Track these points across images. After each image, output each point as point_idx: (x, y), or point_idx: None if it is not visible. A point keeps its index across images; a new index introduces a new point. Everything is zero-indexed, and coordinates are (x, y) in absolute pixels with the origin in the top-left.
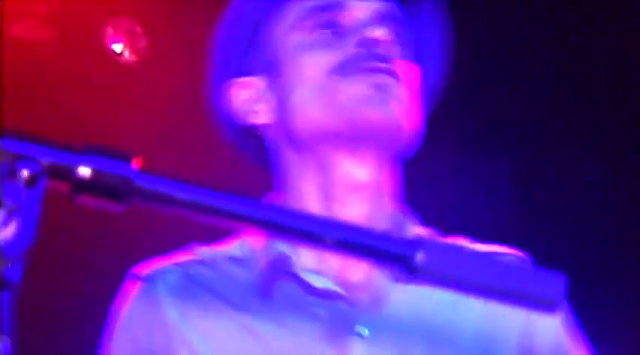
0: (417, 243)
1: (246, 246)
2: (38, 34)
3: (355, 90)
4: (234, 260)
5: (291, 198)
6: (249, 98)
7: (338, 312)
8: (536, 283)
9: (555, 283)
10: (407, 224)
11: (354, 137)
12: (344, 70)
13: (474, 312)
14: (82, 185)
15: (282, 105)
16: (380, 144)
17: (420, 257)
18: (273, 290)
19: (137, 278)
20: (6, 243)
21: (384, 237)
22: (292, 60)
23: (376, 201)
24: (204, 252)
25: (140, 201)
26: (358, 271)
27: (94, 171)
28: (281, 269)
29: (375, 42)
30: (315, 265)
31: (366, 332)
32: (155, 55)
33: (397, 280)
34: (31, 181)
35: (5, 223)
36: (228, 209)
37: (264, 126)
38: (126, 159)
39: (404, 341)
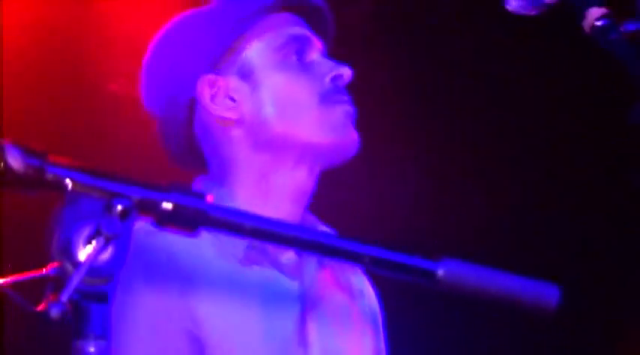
0: (439, 259)
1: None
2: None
3: (337, 116)
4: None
5: (225, 186)
6: (218, 93)
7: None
8: (536, 292)
9: (551, 292)
10: (317, 225)
11: (328, 152)
12: (327, 99)
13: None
14: (165, 217)
15: (259, 110)
16: (339, 159)
17: (441, 272)
18: (246, 268)
19: (138, 233)
20: (104, 265)
21: (408, 254)
22: (275, 75)
23: (303, 205)
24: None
25: (212, 229)
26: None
27: (175, 205)
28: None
29: (342, 79)
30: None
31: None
32: None
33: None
34: (124, 214)
35: (103, 249)
36: (282, 233)
37: (225, 120)
38: (200, 196)
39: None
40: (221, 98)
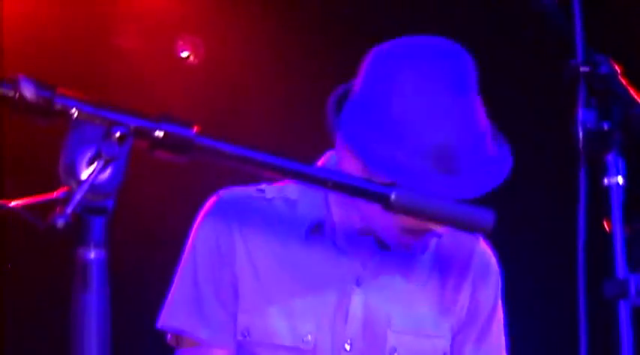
0: (392, 186)
1: (296, 191)
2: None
3: None
4: (286, 201)
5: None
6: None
7: (349, 266)
8: (474, 214)
9: (487, 215)
10: None
11: None
12: None
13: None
14: (157, 143)
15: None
16: None
17: (393, 196)
18: (311, 234)
19: (217, 198)
20: (104, 183)
21: (367, 182)
22: None
23: None
24: (268, 190)
25: (199, 156)
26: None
27: (166, 133)
28: (318, 231)
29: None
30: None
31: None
32: (210, 59)
33: (392, 256)
34: (122, 140)
35: (103, 169)
36: (260, 160)
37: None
38: (189, 125)
39: (392, 289)
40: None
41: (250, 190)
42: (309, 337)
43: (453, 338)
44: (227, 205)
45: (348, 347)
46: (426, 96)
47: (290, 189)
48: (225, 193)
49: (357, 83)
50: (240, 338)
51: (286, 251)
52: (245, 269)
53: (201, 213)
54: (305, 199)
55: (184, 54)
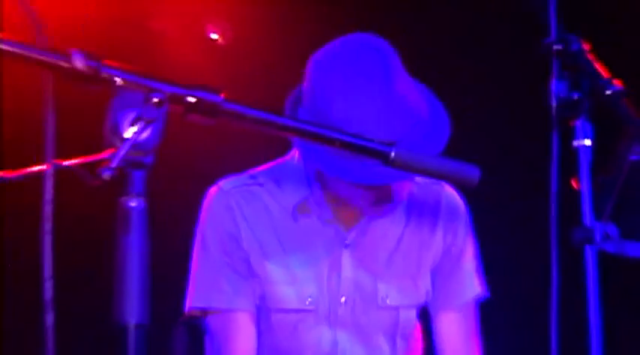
0: (392, 145)
1: (281, 175)
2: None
3: None
4: (276, 183)
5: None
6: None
7: (336, 233)
8: (463, 170)
9: (474, 170)
10: None
11: None
12: None
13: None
14: (189, 107)
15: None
16: None
17: (393, 154)
18: (298, 214)
19: (217, 190)
20: (144, 141)
21: (370, 141)
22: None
23: None
24: (259, 176)
25: (225, 119)
26: (349, 214)
27: (197, 99)
28: (305, 208)
29: None
30: (326, 212)
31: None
32: (238, 41)
33: (369, 219)
34: (159, 104)
35: (144, 130)
36: (277, 122)
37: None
38: (217, 92)
39: (374, 246)
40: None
41: (243, 178)
42: (311, 299)
43: (432, 273)
44: (228, 194)
45: (343, 300)
46: (348, 98)
47: (276, 173)
48: (224, 183)
49: (304, 88)
50: (258, 302)
51: (282, 227)
52: (252, 246)
53: (206, 204)
54: (290, 181)
55: (213, 36)
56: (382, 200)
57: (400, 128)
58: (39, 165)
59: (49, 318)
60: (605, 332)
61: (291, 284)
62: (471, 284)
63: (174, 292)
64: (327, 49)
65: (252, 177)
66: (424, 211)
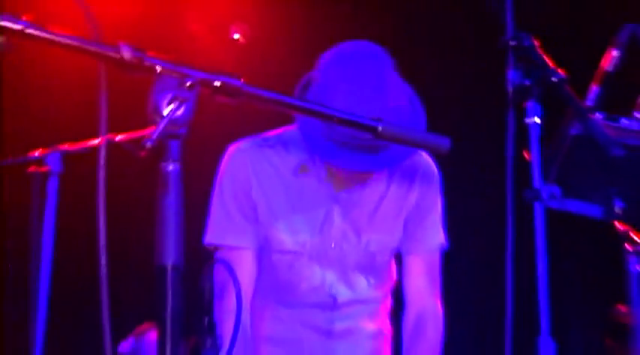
0: (380, 121)
1: (288, 140)
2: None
3: None
4: (284, 147)
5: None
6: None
7: (329, 191)
8: (437, 140)
9: (445, 140)
10: None
11: None
12: None
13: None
14: (216, 90)
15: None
16: None
17: (380, 128)
18: (299, 173)
19: (238, 148)
20: (179, 117)
21: (362, 118)
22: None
23: None
24: (270, 139)
25: (244, 99)
26: (341, 178)
27: (222, 83)
28: (305, 169)
29: None
30: (322, 173)
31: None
32: (257, 40)
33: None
34: (191, 87)
35: (179, 108)
36: (286, 101)
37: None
38: (238, 77)
39: (360, 205)
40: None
41: (257, 140)
42: (305, 243)
43: (404, 223)
44: (243, 152)
45: (333, 245)
46: (347, 87)
47: (283, 138)
48: (241, 143)
49: (313, 76)
50: (262, 243)
51: (286, 183)
52: (259, 197)
53: (225, 158)
54: (294, 146)
55: (236, 36)
56: (365, 176)
57: (385, 113)
58: (95, 139)
59: (103, 260)
60: (551, 275)
61: (290, 230)
62: (436, 235)
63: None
64: (336, 48)
65: (265, 140)
66: (404, 177)
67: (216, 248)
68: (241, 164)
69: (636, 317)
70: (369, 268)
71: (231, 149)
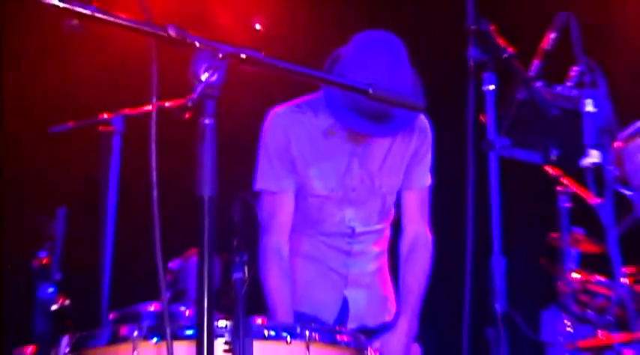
0: (369, 84)
1: (318, 107)
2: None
3: None
4: (314, 113)
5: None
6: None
7: (353, 143)
8: (415, 99)
9: (422, 100)
10: None
11: None
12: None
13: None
14: (242, 61)
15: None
16: None
17: (371, 90)
18: (328, 135)
19: (277, 113)
20: (213, 82)
21: (356, 82)
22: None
23: None
24: (303, 106)
25: (264, 68)
26: (358, 137)
27: (247, 55)
28: (331, 131)
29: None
30: (344, 134)
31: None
32: (273, 29)
33: (369, 140)
34: (223, 58)
35: (213, 74)
36: (295, 69)
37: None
38: (259, 51)
39: (381, 150)
40: None
41: (292, 107)
42: (333, 188)
43: (405, 169)
44: (281, 116)
45: (354, 189)
46: (368, 68)
47: (313, 105)
48: (278, 109)
49: (342, 53)
50: (299, 189)
51: (316, 143)
52: (296, 152)
53: (267, 121)
54: (322, 112)
55: (257, 26)
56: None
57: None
58: (148, 105)
59: (155, 194)
60: (501, 209)
61: (321, 178)
62: (427, 176)
63: (233, 178)
64: (364, 33)
65: (297, 106)
66: (405, 133)
67: (263, 193)
68: (280, 126)
69: (564, 242)
70: (379, 206)
71: (271, 114)
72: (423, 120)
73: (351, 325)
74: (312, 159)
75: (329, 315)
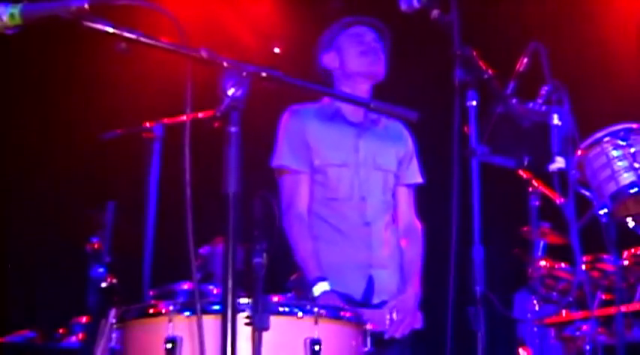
0: (369, 100)
1: (327, 100)
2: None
3: (366, 60)
4: (322, 105)
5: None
6: (328, 58)
7: (357, 128)
8: (408, 112)
9: (415, 113)
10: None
11: (364, 75)
12: (362, 53)
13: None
14: (262, 78)
15: (342, 63)
16: (371, 79)
17: (372, 104)
18: (335, 120)
19: (293, 108)
20: (238, 96)
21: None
22: (347, 51)
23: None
24: (311, 103)
25: (283, 85)
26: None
27: (268, 74)
28: (337, 117)
29: (368, 44)
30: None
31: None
32: (291, 52)
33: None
34: (246, 76)
35: (238, 89)
36: (308, 86)
37: (332, 68)
38: (278, 70)
39: (379, 138)
40: (329, 61)
41: (304, 104)
42: (346, 162)
43: (398, 163)
44: (296, 109)
45: (361, 167)
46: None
47: (322, 102)
48: (293, 106)
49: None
50: (314, 164)
51: (327, 127)
52: (311, 136)
53: (285, 114)
54: (330, 103)
55: (276, 50)
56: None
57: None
58: (183, 115)
59: (188, 191)
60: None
61: (332, 152)
62: (417, 174)
63: (253, 177)
64: (349, 17)
65: (309, 103)
66: (395, 126)
67: (280, 172)
68: (297, 115)
69: (534, 235)
70: (382, 182)
71: (288, 109)
72: (406, 131)
73: (376, 300)
74: (325, 137)
75: (357, 292)
